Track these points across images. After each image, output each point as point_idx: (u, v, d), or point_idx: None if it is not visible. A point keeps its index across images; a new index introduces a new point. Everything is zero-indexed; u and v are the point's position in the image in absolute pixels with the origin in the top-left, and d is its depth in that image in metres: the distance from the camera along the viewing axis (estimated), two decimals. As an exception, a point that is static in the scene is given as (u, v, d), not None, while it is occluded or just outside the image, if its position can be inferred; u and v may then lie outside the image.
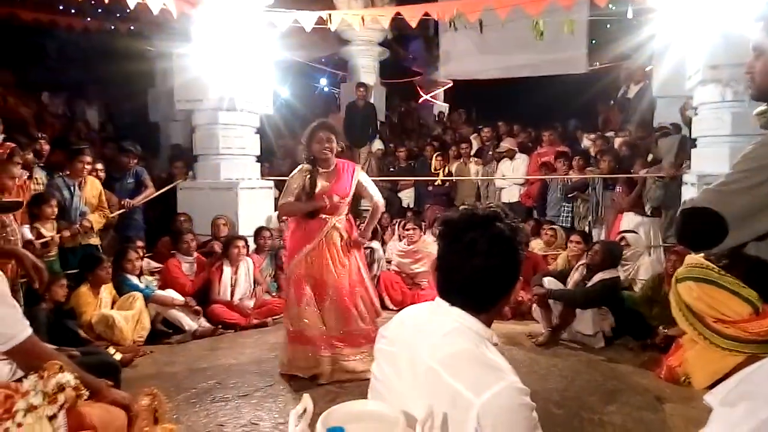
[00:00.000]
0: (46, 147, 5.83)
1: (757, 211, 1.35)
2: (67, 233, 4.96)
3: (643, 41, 7.22)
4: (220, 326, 5.22)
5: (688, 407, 3.46)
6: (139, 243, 5.68)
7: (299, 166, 4.11)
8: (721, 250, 1.39)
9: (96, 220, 5.28)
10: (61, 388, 1.69)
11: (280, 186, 6.95)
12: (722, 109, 5.32)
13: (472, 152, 8.76)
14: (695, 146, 5.74)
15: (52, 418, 1.65)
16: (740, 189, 1.37)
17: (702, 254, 1.47)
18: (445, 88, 13.76)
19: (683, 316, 1.41)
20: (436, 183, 8.18)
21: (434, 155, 8.36)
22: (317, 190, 3.96)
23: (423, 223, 6.81)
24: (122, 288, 4.92)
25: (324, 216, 3.99)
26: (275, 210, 6.86)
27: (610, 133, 8.55)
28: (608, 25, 9.91)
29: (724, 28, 4.82)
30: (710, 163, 5.31)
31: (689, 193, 5.40)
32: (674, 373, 3.92)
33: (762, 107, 1.52)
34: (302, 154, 4.19)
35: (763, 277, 1.35)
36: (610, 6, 6.95)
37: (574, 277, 5.12)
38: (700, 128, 5.60)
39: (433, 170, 8.23)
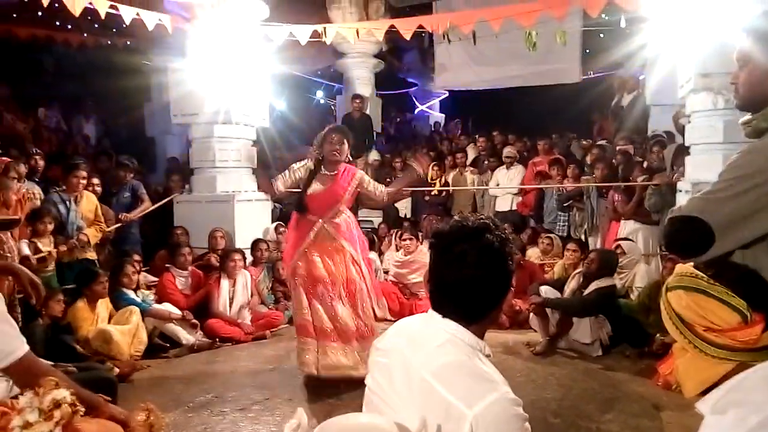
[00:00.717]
0: (42, 162, 5.84)
1: (742, 219, 1.37)
2: (63, 248, 4.95)
3: (636, 50, 7.28)
4: (217, 339, 5.22)
5: (686, 415, 3.45)
6: (136, 257, 5.66)
7: (306, 160, 4.28)
8: (708, 258, 1.41)
9: (92, 235, 5.29)
10: (57, 404, 1.68)
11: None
12: (715, 117, 5.35)
13: (468, 162, 8.79)
14: (689, 154, 5.77)
15: (48, 435, 1.65)
16: (725, 197, 1.39)
17: (691, 263, 1.49)
18: (441, 98, 13.85)
19: (673, 325, 1.43)
20: (432, 193, 8.20)
21: (430, 165, 8.39)
22: (309, 191, 4.12)
23: (420, 233, 6.83)
24: (119, 302, 4.91)
25: (311, 217, 4.14)
26: (272, 222, 6.88)
27: (602, 141, 8.60)
28: (601, 35, 9.98)
29: (716, 36, 4.85)
30: (704, 170, 5.32)
31: (683, 201, 5.42)
32: (670, 381, 3.92)
33: (747, 116, 1.54)
34: (313, 152, 4.33)
35: (751, 286, 1.36)
36: (603, 16, 7.00)
37: (571, 285, 5.14)
38: (693, 136, 5.63)
39: (429, 180, 8.25)
